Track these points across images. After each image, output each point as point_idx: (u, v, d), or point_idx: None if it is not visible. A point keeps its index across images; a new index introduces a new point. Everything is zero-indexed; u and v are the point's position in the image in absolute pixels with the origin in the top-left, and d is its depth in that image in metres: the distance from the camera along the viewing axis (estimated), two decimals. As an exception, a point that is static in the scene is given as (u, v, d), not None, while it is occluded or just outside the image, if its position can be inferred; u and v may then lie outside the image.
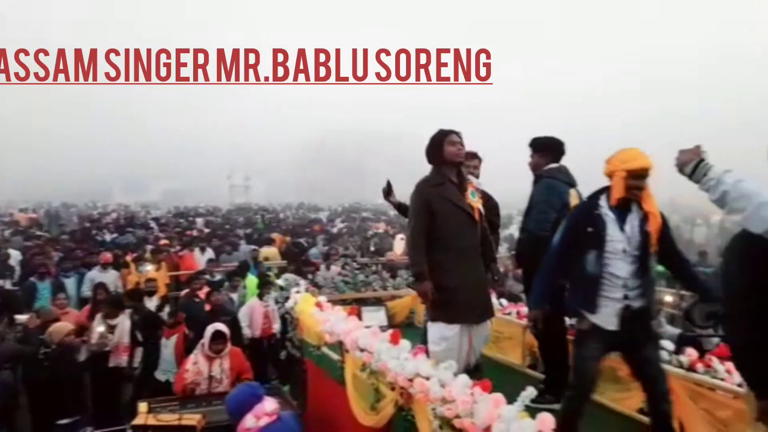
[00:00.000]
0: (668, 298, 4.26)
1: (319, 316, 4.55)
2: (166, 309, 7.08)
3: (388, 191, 4.31)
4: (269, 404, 3.25)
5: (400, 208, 4.33)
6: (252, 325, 7.18)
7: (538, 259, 3.18)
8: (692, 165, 2.15)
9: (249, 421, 3.13)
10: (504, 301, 5.19)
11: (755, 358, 1.94)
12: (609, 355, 3.10)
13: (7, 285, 9.28)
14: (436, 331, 3.52)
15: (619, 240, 2.85)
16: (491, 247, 3.73)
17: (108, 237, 15.40)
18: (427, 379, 2.99)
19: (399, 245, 12.47)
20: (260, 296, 7.28)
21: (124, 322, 6.19)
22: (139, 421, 4.25)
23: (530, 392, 2.52)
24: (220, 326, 5.11)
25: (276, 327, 7.30)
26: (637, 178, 2.82)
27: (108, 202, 34.78)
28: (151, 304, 7.52)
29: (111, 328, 5.91)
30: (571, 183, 3.71)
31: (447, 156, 3.51)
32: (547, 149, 3.81)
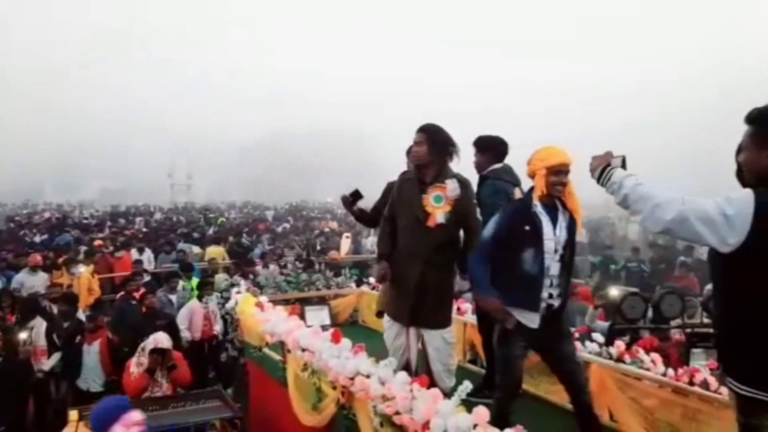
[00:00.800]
0: (614, 293, 4.44)
1: (260, 317, 4.48)
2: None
3: (352, 200, 4.07)
4: (136, 415, 3.14)
5: (361, 217, 4.24)
6: (192, 327, 6.96)
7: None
8: (599, 170, 2.25)
9: (117, 431, 2.99)
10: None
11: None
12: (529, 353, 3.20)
13: None
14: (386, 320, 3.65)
15: (551, 239, 2.94)
16: (456, 257, 3.54)
17: (38, 238, 14.60)
18: (368, 377, 3.00)
19: (345, 244, 12.48)
20: (200, 297, 7.08)
21: (39, 325, 5.92)
22: (70, 430, 4.05)
23: (466, 386, 2.57)
24: (161, 341, 4.94)
25: (217, 329, 7.12)
26: (557, 174, 2.92)
27: (39, 202, 32.96)
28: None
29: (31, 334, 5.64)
30: (516, 182, 3.71)
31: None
32: (491, 149, 3.81)
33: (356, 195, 4.09)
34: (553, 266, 2.95)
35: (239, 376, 5.34)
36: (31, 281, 8.21)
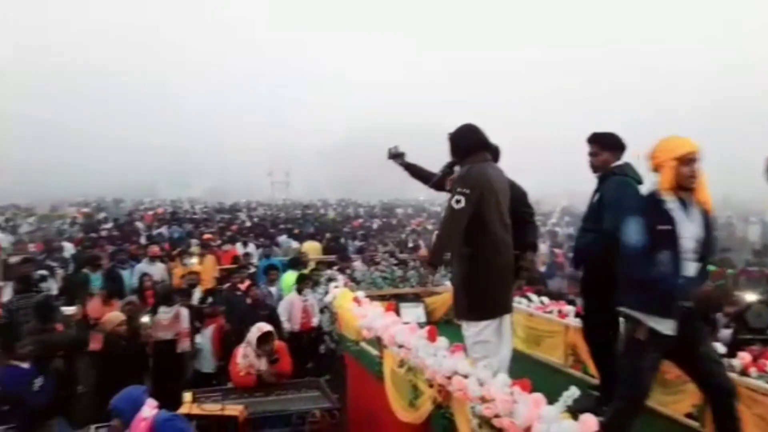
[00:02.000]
0: (751, 298, 4.06)
1: (357, 312, 4.58)
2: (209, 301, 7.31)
3: (395, 153, 4.26)
4: (153, 400, 3.49)
5: (412, 169, 4.31)
6: (291, 319, 7.27)
7: (610, 262, 2.98)
8: None
9: (146, 411, 3.36)
10: (545, 299, 5.09)
11: None
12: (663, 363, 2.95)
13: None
14: None
15: (689, 237, 2.72)
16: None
17: (155, 231, 15.92)
18: (466, 377, 2.97)
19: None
20: (299, 291, 7.37)
21: (182, 310, 6.48)
22: (184, 410, 4.38)
23: (572, 392, 2.46)
24: (266, 327, 5.22)
25: (315, 321, 7.39)
26: (688, 163, 2.71)
27: (154, 198, 35.95)
28: (194, 296, 7.71)
29: (154, 320, 6.18)
30: (640, 181, 3.47)
31: None
32: (615, 146, 3.56)
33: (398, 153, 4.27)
34: (690, 267, 2.74)
35: (337, 369, 5.48)
36: (151, 270, 8.96)
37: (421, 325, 3.82)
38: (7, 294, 7.90)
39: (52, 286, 8.44)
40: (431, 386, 3.32)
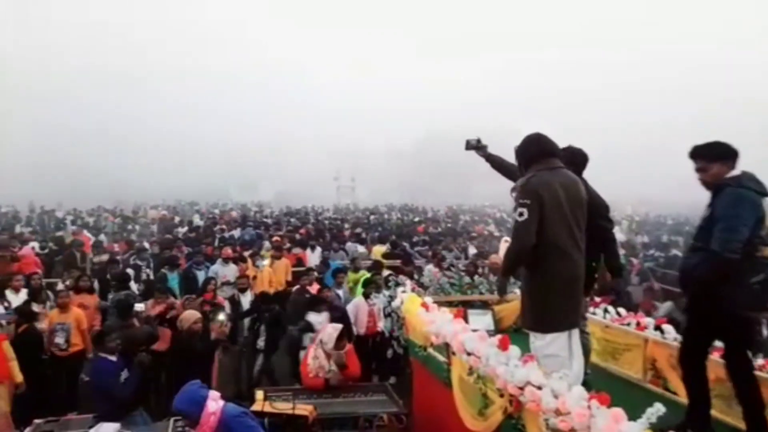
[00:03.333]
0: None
1: (426, 317, 4.57)
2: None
3: (474, 144, 4.17)
4: (214, 392, 3.46)
5: (493, 161, 4.23)
6: (357, 322, 7.37)
7: (716, 285, 2.84)
8: None
9: (211, 405, 3.31)
10: (622, 311, 4.89)
11: None
12: None
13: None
14: None
15: None
16: None
17: (227, 234, 16.57)
18: (539, 388, 2.90)
19: (503, 248, 12.20)
20: (366, 295, 7.45)
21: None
22: (256, 407, 4.53)
23: (657, 409, 2.35)
24: (340, 326, 5.33)
25: (381, 325, 7.45)
26: None
27: (226, 201, 37.42)
28: (246, 300, 7.81)
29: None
30: (764, 192, 3.16)
31: None
32: (724, 155, 3.24)
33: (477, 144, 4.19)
34: None
35: (404, 373, 5.50)
36: (224, 271, 9.35)
37: (490, 334, 3.76)
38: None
39: (136, 286, 8.96)
40: (502, 396, 3.27)
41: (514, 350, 3.29)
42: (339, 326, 5.38)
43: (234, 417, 3.37)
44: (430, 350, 4.63)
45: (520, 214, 3.23)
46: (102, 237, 16.61)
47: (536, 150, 3.44)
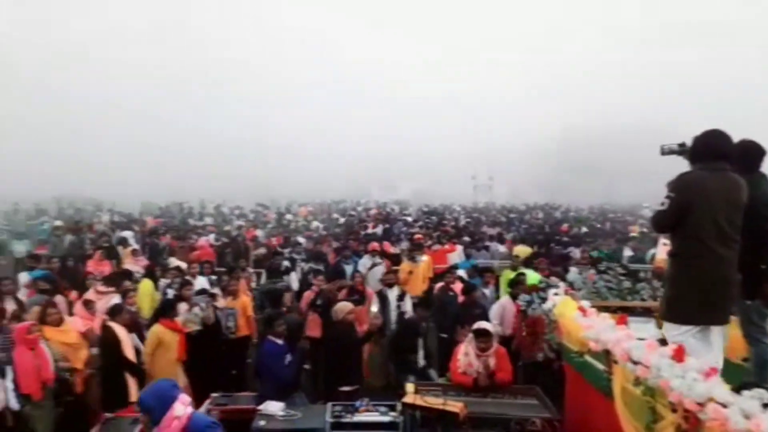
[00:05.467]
0: None
1: (583, 322, 4.36)
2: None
3: (671, 150, 3.86)
4: (187, 397, 3.15)
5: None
6: (503, 323, 7.24)
7: None
8: None
9: (178, 409, 3.00)
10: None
11: None
12: None
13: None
14: None
15: None
16: None
17: (370, 230, 17.25)
18: (725, 406, 2.63)
19: (663, 251, 11.21)
20: (513, 296, 7.29)
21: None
22: (408, 399, 4.68)
23: None
24: (485, 324, 5.32)
25: (526, 328, 7.24)
26: None
27: (368, 199, 38.98)
28: (392, 295, 7.84)
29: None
30: None
31: None
32: None
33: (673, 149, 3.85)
34: None
35: (556, 378, 5.31)
36: (369, 265, 9.72)
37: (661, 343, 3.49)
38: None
39: (293, 277, 9.70)
40: (674, 411, 3.02)
41: (691, 362, 3.02)
42: (483, 323, 5.37)
43: (202, 427, 3.05)
44: (587, 357, 4.41)
45: (662, 203, 3.48)
46: (259, 232, 18.19)
47: (704, 149, 3.52)
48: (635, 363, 3.41)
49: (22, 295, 7.40)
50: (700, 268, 3.40)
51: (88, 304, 6.56)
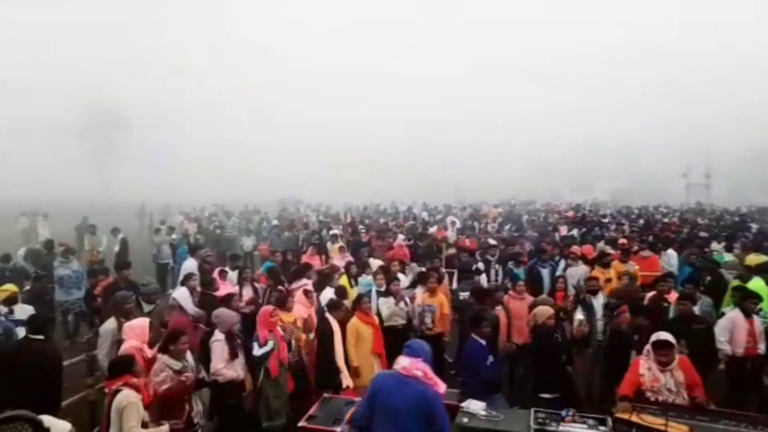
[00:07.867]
0: None
1: None
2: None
3: None
4: None
5: None
6: (733, 341, 6.31)
7: None
8: None
9: None
10: None
11: None
12: None
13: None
14: None
15: None
16: None
17: (564, 232, 16.40)
18: None
19: None
20: (745, 311, 6.32)
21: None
22: (622, 415, 4.36)
23: None
24: (665, 335, 4.82)
25: (762, 348, 6.25)
26: None
27: (560, 200, 37.11)
28: (597, 303, 7.24)
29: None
30: None
31: None
32: None
33: None
34: None
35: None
36: (571, 272, 9.21)
37: None
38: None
39: (483, 279, 9.70)
40: None
41: None
42: (662, 334, 4.82)
43: None
44: None
45: None
46: (449, 233, 18.46)
47: None
48: None
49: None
50: None
51: (308, 293, 7.33)
